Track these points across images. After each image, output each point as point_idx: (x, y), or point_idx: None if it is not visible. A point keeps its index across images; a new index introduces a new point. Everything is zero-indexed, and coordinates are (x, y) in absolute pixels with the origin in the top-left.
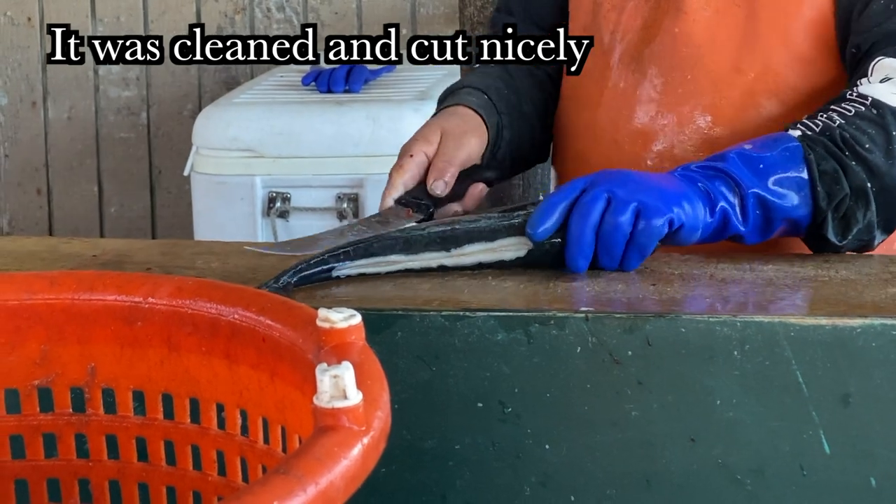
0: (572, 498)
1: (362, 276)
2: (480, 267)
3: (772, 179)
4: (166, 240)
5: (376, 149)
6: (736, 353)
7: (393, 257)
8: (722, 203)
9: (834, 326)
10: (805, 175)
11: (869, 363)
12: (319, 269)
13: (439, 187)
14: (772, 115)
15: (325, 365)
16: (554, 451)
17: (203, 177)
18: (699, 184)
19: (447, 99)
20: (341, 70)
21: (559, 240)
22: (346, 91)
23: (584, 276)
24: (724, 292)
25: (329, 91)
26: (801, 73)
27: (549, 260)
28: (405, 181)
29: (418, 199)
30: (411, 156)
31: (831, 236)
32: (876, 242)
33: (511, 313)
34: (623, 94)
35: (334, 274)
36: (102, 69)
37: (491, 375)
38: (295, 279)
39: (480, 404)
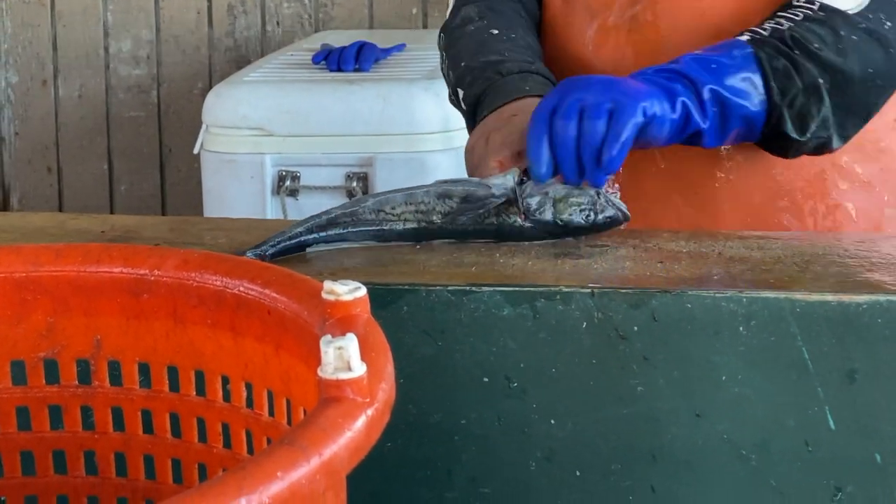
0: (577, 473)
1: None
2: None
3: (726, 78)
4: (175, 216)
5: (386, 128)
6: (742, 328)
7: (366, 243)
8: (682, 98)
9: (840, 302)
10: (758, 74)
11: (875, 339)
12: (296, 242)
13: None
14: None
15: (329, 337)
16: (559, 426)
17: (213, 155)
18: (660, 83)
19: (510, 84)
20: (351, 48)
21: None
22: (356, 70)
23: (592, 254)
24: (732, 269)
25: (339, 70)
26: None
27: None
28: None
29: None
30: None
31: (790, 132)
32: (834, 145)
33: (517, 288)
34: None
35: (308, 250)
36: (113, 47)
37: (497, 350)
38: (270, 252)
39: (486, 379)
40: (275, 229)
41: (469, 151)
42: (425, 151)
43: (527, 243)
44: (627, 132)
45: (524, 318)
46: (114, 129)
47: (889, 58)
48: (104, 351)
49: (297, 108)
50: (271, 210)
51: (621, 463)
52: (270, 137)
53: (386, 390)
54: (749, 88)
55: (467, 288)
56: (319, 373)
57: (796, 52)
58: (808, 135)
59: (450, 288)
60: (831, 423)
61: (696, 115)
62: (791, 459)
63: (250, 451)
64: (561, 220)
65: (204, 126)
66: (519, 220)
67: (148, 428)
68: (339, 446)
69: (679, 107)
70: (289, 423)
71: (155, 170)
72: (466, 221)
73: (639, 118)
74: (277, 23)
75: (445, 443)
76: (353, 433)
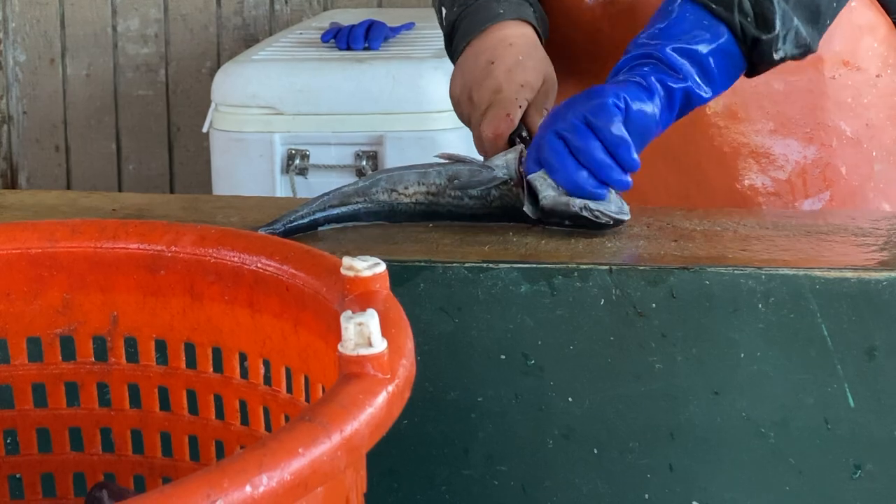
0: (595, 451)
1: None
2: None
3: (678, 34)
4: (186, 195)
5: (395, 106)
6: (760, 305)
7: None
8: (652, 75)
9: (860, 279)
10: (699, 10)
11: (894, 317)
12: (308, 221)
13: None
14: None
15: (349, 312)
16: (577, 403)
17: (222, 134)
18: (625, 78)
19: (482, 8)
20: (360, 27)
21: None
22: (365, 48)
23: (605, 233)
24: (748, 248)
25: (348, 48)
26: None
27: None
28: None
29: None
30: (520, 106)
31: (757, 33)
32: (810, 41)
33: (534, 265)
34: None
35: (320, 229)
36: (121, 26)
37: (514, 328)
38: (282, 230)
39: (503, 356)
40: (286, 208)
41: (455, 103)
42: (435, 130)
43: (539, 227)
44: (612, 124)
45: (541, 295)
46: (122, 108)
47: None
48: (121, 327)
49: (306, 86)
50: (280, 189)
51: (639, 441)
52: (280, 116)
53: (406, 366)
54: (701, 29)
55: (484, 265)
56: (340, 349)
57: None
58: (776, 30)
59: (466, 265)
60: (851, 400)
61: (670, 81)
62: (810, 437)
63: (268, 428)
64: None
65: (213, 105)
66: (523, 206)
67: (165, 405)
68: (361, 423)
69: (653, 84)
70: (307, 400)
71: (163, 149)
72: (474, 205)
73: (616, 104)
74: (286, 1)
75: (462, 420)
76: (374, 409)
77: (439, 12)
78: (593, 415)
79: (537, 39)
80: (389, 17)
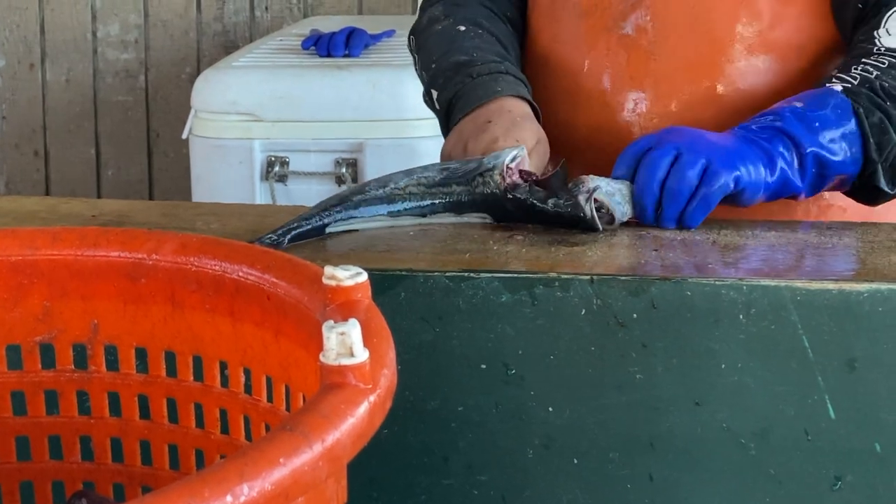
0: (575, 461)
1: (357, 233)
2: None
3: (827, 137)
4: (166, 201)
5: (376, 114)
6: (742, 316)
7: (377, 216)
8: (781, 164)
9: (840, 291)
10: (856, 129)
11: (875, 328)
12: (311, 226)
13: None
14: (766, 71)
15: (331, 322)
16: (557, 413)
17: (202, 140)
18: (760, 144)
19: (481, 86)
20: (341, 34)
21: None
22: (345, 55)
23: (586, 241)
24: (727, 258)
25: (329, 55)
26: (792, 26)
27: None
28: None
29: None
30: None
31: (883, 185)
32: None
33: (515, 275)
34: (608, 59)
35: (327, 230)
36: (101, 31)
37: (495, 337)
38: (288, 237)
39: (484, 366)
40: (266, 214)
41: (446, 157)
42: (415, 137)
43: (520, 235)
44: (714, 197)
45: (522, 305)
46: (101, 114)
47: None
48: (101, 335)
49: (286, 93)
50: (260, 196)
51: (619, 451)
52: (259, 123)
53: (388, 376)
54: (847, 146)
55: (465, 274)
56: (321, 358)
57: (888, 103)
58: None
59: (448, 274)
60: (831, 411)
61: (794, 179)
62: (790, 448)
63: (248, 437)
64: (537, 203)
65: (192, 111)
66: (499, 188)
67: (145, 413)
68: (342, 433)
69: (778, 172)
70: (287, 409)
71: (142, 155)
72: (461, 192)
73: (730, 184)
74: (266, 8)
75: (442, 429)
76: (355, 419)
77: (429, 94)
78: (573, 425)
79: (532, 113)
80: (370, 24)
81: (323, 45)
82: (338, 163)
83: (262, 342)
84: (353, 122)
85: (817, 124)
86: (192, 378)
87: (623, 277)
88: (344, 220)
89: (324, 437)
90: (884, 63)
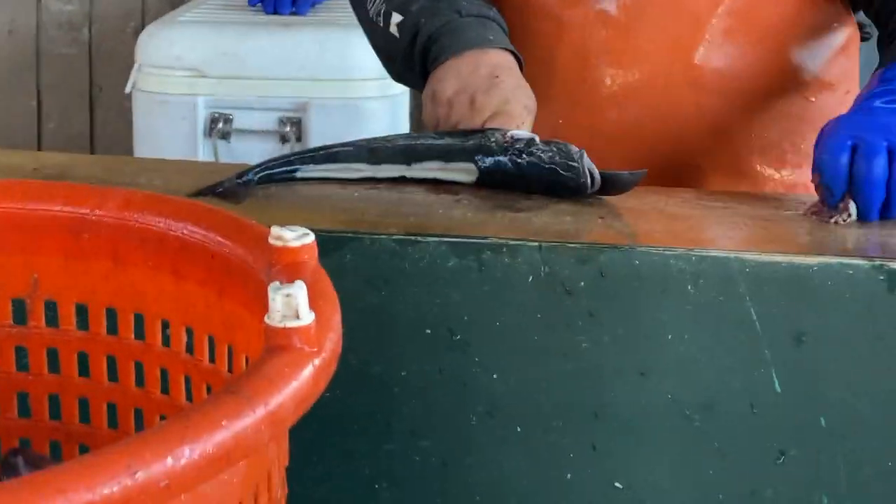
0: (518, 429)
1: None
2: (436, 182)
3: None
4: (109, 156)
5: (321, 73)
6: (690, 287)
7: (357, 165)
8: None
9: (790, 264)
10: None
11: (824, 302)
12: (284, 168)
13: None
14: (745, 48)
15: (277, 283)
16: (502, 380)
17: (145, 95)
18: None
19: (470, 28)
20: None
21: (508, 166)
22: (292, 13)
23: (531, 208)
24: (674, 227)
25: (275, 12)
26: (771, 4)
27: (498, 185)
28: None
29: None
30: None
31: None
32: None
33: (464, 239)
34: (586, 34)
35: (298, 175)
36: None
37: (440, 302)
38: (258, 176)
39: (429, 331)
40: (209, 171)
41: (440, 102)
42: (361, 98)
43: (465, 200)
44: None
45: (469, 270)
46: (43, 66)
47: None
48: (41, 291)
49: (231, 49)
50: (203, 152)
51: (563, 419)
52: (204, 79)
53: (333, 340)
54: None
55: (412, 238)
56: (266, 320)
57: None
58: None
59: (395, 237)
60: (777, 385)
61: None
62: (735, 421)
63: (189, 398)
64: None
65: (136, 65)
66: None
67: (84, 371)
68: (285, 396)
69: None
70: (230, 370)
71: (84, 108)
72: (452, 142)
73: None
74: None
75: (385, 394)
76: (299, 383)
77: (386, 17)
78: (518, 392)
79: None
80: None
81: (269, 2)
82: (282, 121)
83: (205, 301)
84: (299, 81)
85: None
86: (132, 336)
87: (572, 245)
88: (320, 167)
89: (267, 400)
90: None
